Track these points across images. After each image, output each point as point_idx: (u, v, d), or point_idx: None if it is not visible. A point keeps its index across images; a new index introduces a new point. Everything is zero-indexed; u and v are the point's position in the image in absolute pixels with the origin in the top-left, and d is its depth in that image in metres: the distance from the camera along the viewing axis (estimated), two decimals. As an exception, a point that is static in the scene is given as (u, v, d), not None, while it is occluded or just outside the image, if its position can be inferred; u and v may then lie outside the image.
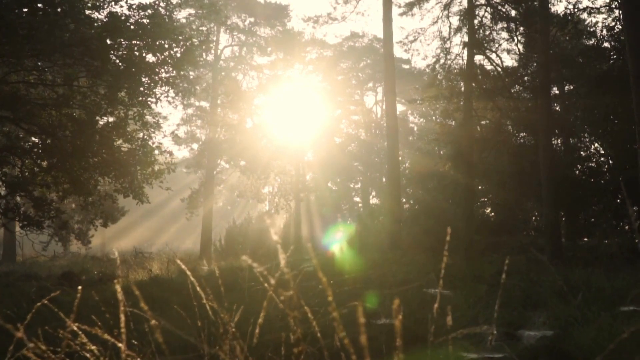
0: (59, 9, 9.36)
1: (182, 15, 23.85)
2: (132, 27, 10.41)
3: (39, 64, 11.36)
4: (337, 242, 22.51)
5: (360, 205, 39.20)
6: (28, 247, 26.66)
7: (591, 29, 21.57)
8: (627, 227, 20.83)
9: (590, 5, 25.71)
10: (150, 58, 10.98)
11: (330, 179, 36.60)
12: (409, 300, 5.50)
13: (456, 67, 22.10)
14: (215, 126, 30.51)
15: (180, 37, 10.87)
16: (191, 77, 25.03)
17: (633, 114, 12.16)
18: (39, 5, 9.35)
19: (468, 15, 20.69)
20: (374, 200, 37.59)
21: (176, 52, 10.98)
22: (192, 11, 23.32)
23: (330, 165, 34.32)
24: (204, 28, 20.57)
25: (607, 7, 19.10)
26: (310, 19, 25.92)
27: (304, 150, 33.02)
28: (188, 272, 1.97)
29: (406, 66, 37.05)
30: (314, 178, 34.79)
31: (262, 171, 30.53)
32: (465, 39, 20.89)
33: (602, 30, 20.16)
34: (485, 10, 21.43)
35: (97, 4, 10.61)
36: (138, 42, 10.59)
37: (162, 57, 10.89)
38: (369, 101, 40.37)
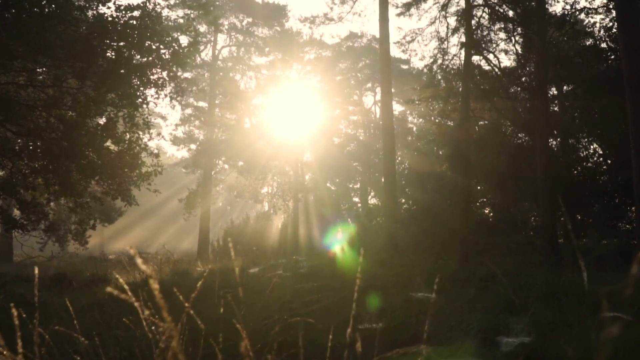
0: (46, 10, 9.32)
1: (172, 15, 23.75)
2: (119, 28, 10.35)
3: (29, 64, 11.30)
4: (338, 243, 22.47)
5: (359, 205, 39.15)
6: (26, 248, 26.69)
7: (589, 29, 21.49)
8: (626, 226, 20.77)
9: (588, 5, 25.62)
10: (138, 59, 10.92)
11: (329, 179, 36.56)
12: (393, 305, 5.45)
13: (454, 67, 22.03)
14: (213, 126, 30.48)
15: (168, 39, 10.82)
16: (182, 78, 24.93)
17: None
18: (26, 6, 9.30)
19: (465, 15, 20.62)
20: (373, 201, 37.53)
21: (164, 53, 10.95)
22: (181, 12, 23.19)
23: (329, 165, 34.28)
24: (200, 28, 20.56)
25: (605, 8, 19.04)
26: (306, 19, 25.88)
27: (302, 150, 32.99)
28: (125, 287, 1.91)
29: (405, 66, 36.97)
30: (313, 178, 34.75)
31: (260, 172, 30.49)
32: (463, 39, 20.83)
33: (599, 31, 20.10)
34: (483, 11, 21.35)
35: (86, 4, 10.54)
36: (124, 44, 10.52)
37: (150, 58, 10.84)
38: (367, 101, 40.31)
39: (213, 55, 31.19)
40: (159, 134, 30.92)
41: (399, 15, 22.86)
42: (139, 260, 1.17)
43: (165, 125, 76.50)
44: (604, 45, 20.11)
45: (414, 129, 37.68)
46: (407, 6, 22.46)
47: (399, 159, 32.82)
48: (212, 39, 30.62)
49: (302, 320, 2.75)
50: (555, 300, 5.09)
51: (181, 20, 17.85)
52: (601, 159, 22.38)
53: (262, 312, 4.71)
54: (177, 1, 23.46)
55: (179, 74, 12.70)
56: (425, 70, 24.01)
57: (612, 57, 19.53)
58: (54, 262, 23.44)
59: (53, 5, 9.41)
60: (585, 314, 4.51)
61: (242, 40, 32.47)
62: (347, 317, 5.06)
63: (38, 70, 11.86)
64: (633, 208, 19.39)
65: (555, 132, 22.42)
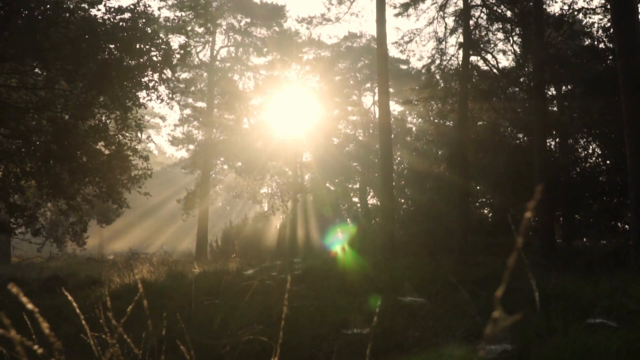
0: (36, 12, 9.28)
1: (164, 14, 23.65)
2: (109, 29, 10.29)
3: (19, 67, 11.23)
4: (338, 243, 22.44)
5: (358, 205, 39.10)
6: (21, 251, 26.71)
7: (587, 30, 21.43)
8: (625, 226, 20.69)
9: (586, 6, 25.53)
10: (129, 62, 10.87)
11: (328, 180, 36.53)
12: (382, 309, 5.42)
13: (452, 68, 21.98)
14: (212, 127, 30.44)
15: (158, 41, 10.78)
16: (180, 79, 24.88)
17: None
18: (16, 8, 9.26)
19: (464, 15, 20.59)
20: (372, 201, 37.49)
21: (154, 55, 10.89)
22: (175, 15, 23.07)
23: (328, 165, 34.22)
24: (198, 29, 20.51)
25: (603, 8, 18.96)
26: (304, 20, 25.83)
27: (301, 150, 32.96)
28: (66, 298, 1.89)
29: (404, 67, 36.89)
30: (312, 179, 34.72)
31: (258, 172, 30.45)
32: (461, 39, 20.79)
33: (597, 31, 20.04)
34: (481, 11, 21.32)
35: (76, 6, 10.48)
36: (114, 46, 10.47)
37: (141, 61, 10.80)
38: (366, 101, 40.25)
39: (211, 56, 31.16)
40: (148, 137, 30.79)
41: (396, 15, 22.81)
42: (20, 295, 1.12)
43: (164, 125, 76.61)
44: (602, 45, 20.05)
45: (413, 129, 37.62)
46: (405, 6, 22.41)
47: (398, 159, 32.77)
48: (210, 39, 30.57)
49: (273, 330, 2.71)
50: (545, 304, 5.05)
51: (177, 21, 17.85)
52: (600, 159, 22.31)
53: (241, 319, 4.67)
54: (174, 2, 23.43)
55: (172, 75, 12.67)
56: (423, 70, 23.97)
57: (611, 57, 19.46)
58: (51, 263, 23.42)
59: (42, 7, 9.36)
60: (573, 320, 4.47)
61: (240, 41, 32.43)
62: (332, 322, 5.01)
63: (32, 71, 11.82)
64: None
65: (554, 132, 22.35)
